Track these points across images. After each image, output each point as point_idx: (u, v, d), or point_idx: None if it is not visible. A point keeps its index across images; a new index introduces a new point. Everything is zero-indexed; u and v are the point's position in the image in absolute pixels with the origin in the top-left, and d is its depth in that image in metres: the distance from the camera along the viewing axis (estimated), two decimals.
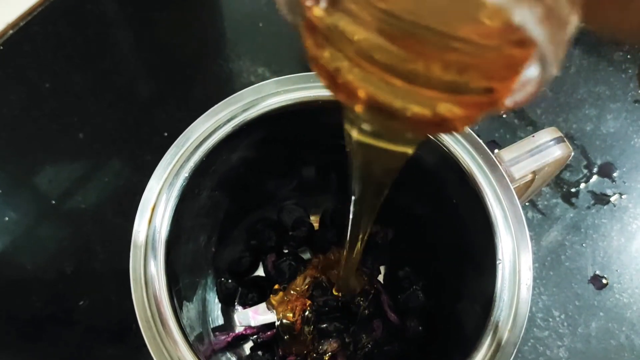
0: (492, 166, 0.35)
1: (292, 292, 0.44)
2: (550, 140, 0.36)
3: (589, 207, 0.56)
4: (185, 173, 0.34)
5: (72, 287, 0.52)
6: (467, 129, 0.36)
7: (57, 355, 0.50)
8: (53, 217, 0.55)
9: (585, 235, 0.55)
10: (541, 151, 0.36)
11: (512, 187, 0.34)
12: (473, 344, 0.32)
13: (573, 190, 0.57)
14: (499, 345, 0.31)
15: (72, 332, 0.51)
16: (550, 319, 0.52)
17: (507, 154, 0.36)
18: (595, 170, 0.58)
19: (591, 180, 0.58)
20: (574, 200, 0.57)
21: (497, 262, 0.33)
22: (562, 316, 0.52)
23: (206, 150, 0.35)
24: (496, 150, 0.36)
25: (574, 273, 0.53)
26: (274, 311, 0.43)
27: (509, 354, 0.31)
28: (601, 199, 0.57)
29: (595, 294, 0.53)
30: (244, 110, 0.36)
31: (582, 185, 0.57)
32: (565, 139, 0.37)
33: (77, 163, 0.58)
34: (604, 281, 0.53)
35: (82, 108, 0.60)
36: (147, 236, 0.33)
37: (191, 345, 0.32)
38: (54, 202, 0.56)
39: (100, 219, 0.55)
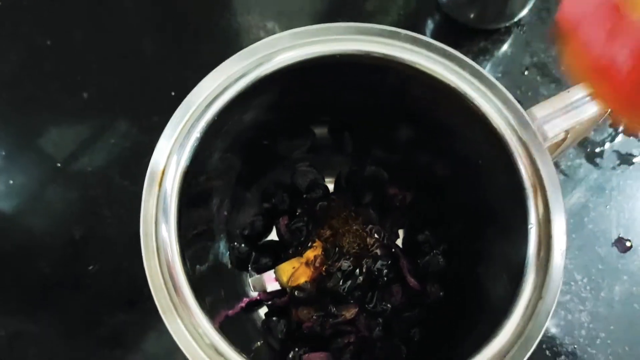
0: (524, 124, 0.33)
1: (306, 257, 0.42)
2: (586, 96, 0.33)
3: (613, 168, 0.54)
4: (197, 133, 0.32)
5: (80, 251, 0.51)
6: (495, 81, 0.34)
7: (65, 321, 0.49)
8: (59, 180, 0.54)
9: (609, 197, 0.53)
10: (576, 108, 0.33)
11: (545, 147, 0.32)
12: (501, 312, 0.31)
13: (597, 150, 0.55)
14: (531, 314, 0.30)
15: (81, 297, 0.50)
16: (572, 283, 0.50)
17: (539, 110, 0.33)
18: (620, 129, 0.55)
19: (617, 140, 0.55)
20: (598, 160, 0.54)
21: (529, 226, 0.31)
22: (585, 280, 0.50)
23: (218, 108, 0.33)
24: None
25: (597, 236, 0.51)
26: (282, 280, 0.42)
27: (541, 323, 0.30)
28: (627, 159, 0.54)
29: (619, 257, 0.51)
30: (258, 66, 0.34)
31: (607, 145, 0.55)
32: None
33: (81, 124, 0.56)
34: (628, 244, 0.51)
35: (85, 66, 0.57)
36: (157, 200, 0.31)
37: (205, 312, 0.30)
38: (59, 164, 0.54)
39: (108, 182, 0.53)
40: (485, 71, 0.34)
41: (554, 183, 0.32)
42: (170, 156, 0.32)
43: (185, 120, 0.32)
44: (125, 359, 0.49)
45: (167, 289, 0.30)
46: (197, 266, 0.38)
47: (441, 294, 0.42)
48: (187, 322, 0.29)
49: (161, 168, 0.32)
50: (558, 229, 0.31)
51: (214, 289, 0.42)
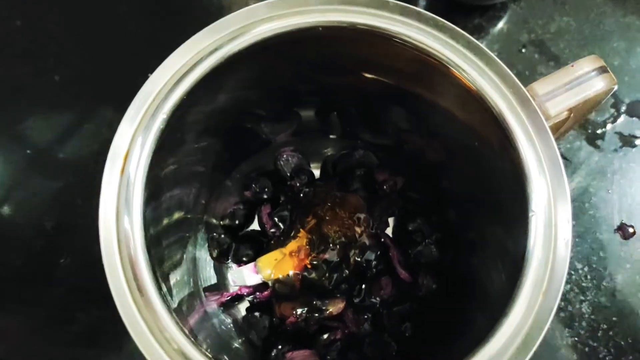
0: (524, 102, 0.30)
1: (289, 248, 0.39)
2: (592, 71, 0.31)
3: (615, 150, 0.51)
4: (162, 114, 0.29)
5: (52, 243, 0.49)
6: (492, 54, 0.31)
7: (36, 317, 0.47)
8: (29, 168, 0.51)
9: (611, 181, 0.50)
10: (581, 83, 0.30)
11: (547, 126, 0.29)
12: (500, 309, 0.28)
13: (599, 131, 0.52)
14: (531, 310, 0.27)
15: (53, 292, 0.48)
16: (573, 272, 0.48)
17: (541, 87, 0.30)
18: (623, 109, 0.53)
19: (619, 121, 0.52)
20: (599, 142, 0.52)
21: (530, 214, 0.28)
22: (586, 269, 0.48)
23: (188, 87, 0.30)
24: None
25: (599, 222, 0.49)
26: (263, 273, 0.39)
27: (543, 320, 0.27)
28: (629, 141, 0.52)
29: (622, 244, 0.49)
30: (231, 40, 0.31)
31: (609, 126, 0.52)
32: (608, 68, 0.31)
33: (54, 108, 0.53)
34: (631, 230, 0.49)
35: (57, 48, 0.54)
36: (119, 189, 0.28)
37: (174, 313, 0.27)
38: (29, 151, 0.51)
39: (81, 170, 0.50)
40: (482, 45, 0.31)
41: (556, 166, 0.29)
42: (134, 140, 0.29)
43: (150, 99, 0.29)
44: (101, 358, 0.46)
45: (130, 288, 0.27)
46: (170, 260, 0.36)
47: (434, 286, 0.39)
48: (152, 325, 0.26)
49: (123, 153, 0.29)
50: (562, 216, 0.28)
51: (191, 283, 0.39)
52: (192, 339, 0.27)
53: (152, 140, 0.29)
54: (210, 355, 0.27)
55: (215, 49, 0.31)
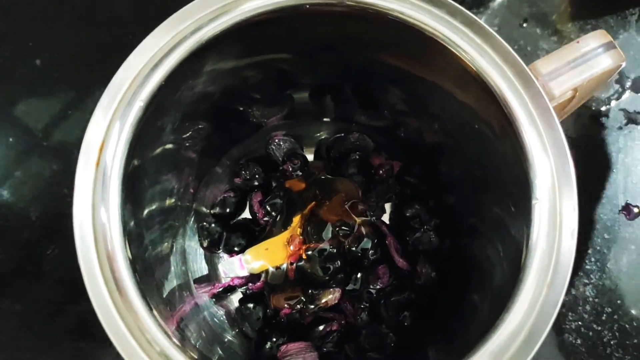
0: (527, 81, 0.28)
1: (282, 238, 0.38)
2: (598, 47, 0.29)
3: (620, 128, 0.50)
4: (139, 102, 0.27)
5: (38, 234, 0.47)
6: (492, 31, 0.28)
7: (24, 311, 0.45)
8: (11, 156, 0.49)
9: (616, 160, 0.49)
10: (587, 61, 0.28)
11: (551, 108, 0.27)
12: (503, 299, 0.26)
13: (603, 108, 0.50)
14: (535, 303, 0.25)
15: (41, 284, 0.46)
16: (576, 254, 0.46)
17: (545, 65, 0.28)
18: (628, 85, 0.51)
19: (623, 97, 0.51)
20: (603, 120, 0.50)
21: (533, 201, 0.26)
22: (590, 251, 0.47)
23: (166, 71, 0.28)
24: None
25: (603, 202, 0.48)
26: (251, 266, 0.38)
27: (548, 314, 0.25)
28: (634, 118, 0.50)
29: (627, 225, 0.47)
30: (213, 19, 0.29)
31: (613, 103, 0.50)
32: (615, 44, 0.29)
33: (37, 95, 0.51)
34: (636, 210, 0.47)
35: (37, 31, 0.51)
36: (94, 183, 0.27)
37: (156, 314, 0.26)
38: (11, 139, 0.49)
39: (66, 158, 0.48)
40: (481, 21, 0.29)
41: (561, 151, 0.27)
42: (110, 129, 0.27)
43: (126, 86, 0.27)
44: (93, 351, 0.45)
45: (108, 288, 0.25)
46: (156, 253, 0.34)
47: (433, 275, 0.38)
48: (132, 326, 0.25)
49: (99, 143, 0.27)
50: (567, 204, 0.26)
51: (180, 274, 0.38)
52: (176, 341, 0.25)
53: (129, 130, 0.27)
54: (195, 356, 0.26)
55: (196, 30, 0.29)
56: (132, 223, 0.29)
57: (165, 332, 0.25)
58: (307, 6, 0.29)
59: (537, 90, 0.28)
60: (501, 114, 0.28)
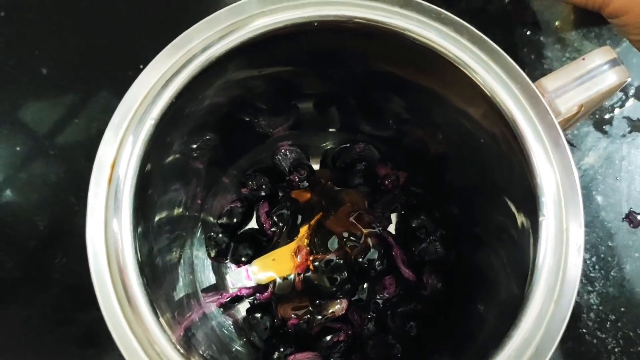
0: (533, 98, 0.28)
1: (289, 249, 0.38)
2: (604, 64, 0.29)
3: (624, 136, 0.50)
4: (150, 120, 0.28)
5: (46, 243, 0.47)
6: (500, 50, 0.29)
7: (32, 319, 0.46)
8: (18, 165, 0.49)
9: (619, 168, 0.49)
10: (593, 77, 0.29)
11: (557, 124, 0.28)
12: (510, 310, 0.27)
13: (607, 116, 0.50)
14: (542, 320, 0.26)
15: (49, 293, 0.46)
16: None
17: (551, 82, 0.29)
18: (631, 93, 0.51)
19: (627, 105, 0.51)
20: (607, 128, 0.50)
21: (540, 218, 0.27)
22: (594, 259, 0.47)
23: (177, 89, 0.28)
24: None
25: (607, 210, 0.48)
26: (257, 277, 0.38)
27: (555, 331, 0.26)
28: (638, 126, 0.50)
29: (631, 233, 0.47)
30: (222, 37, 0.29)
31: (617, 111, 0.50)
32: (620, 60, 0.29)
33: (43, 103, 0.51)
34: None
35: (44, 39, 0.52)
36: (107, 198, 0.27)
37: (165, 325, 0.26)
38: (18, 148, 0.49)
39: (73, 167, 0.49)
40: (487, 38, 0.29)
41: (567, 167, 0.27)
42: (122, 147, 0.27)
43: (137, 105, 0.28)
44: (99, 358, 0.45)
45: (119, 299, 0.26)
46: (165, 263, 0.34)
47: (439, 285, 0.38)
48: (141, 338, 0.25)
49: (111, 161, 0.27)
50: (574, 221, 0.27)
51: (188, 284, 0.38)
52: (183, 351, 0.26)
53: (141, 147, 0.28)
54: None
55: (206, 48, 0.29)
56: (142, 236, 0.29)
57: (175, 346, 0.25)
58: (316, 23, 0.30)
59: (544, 107, 0.28)
60: (507, 130, 0.28)
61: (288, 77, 0.37)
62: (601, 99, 0.31)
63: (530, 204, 0.27)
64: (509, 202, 0.31)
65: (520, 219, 0.29)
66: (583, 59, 0.29)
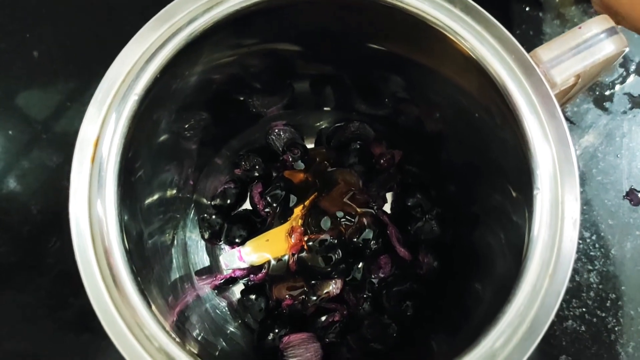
0: (527, 69, 0.27)
1: (283, 229, 0.38)
2: (601, 33, 0.28)
3: (624, 112, 0.49)
4: (134, 95, 0.27)
5: (39, 227, 0.47)
6: (492, 18, 0.28)
7: (26, 304, 0.45)
8: (11, 150, 0.48)
9: (620, 145, 0.48)
10: (589, 47, 0.28)
11: (552, 96, 0.27)
12: (506, 288, 0.26)
13: (607, 93, 0.49)
14: (537, 295, 0.25)
15: (42, 277, 0.46)
16: (580, 241, 0.46)
17: (546, 52, 0.28)
18: (632, 68, 0.50)
19: (628, 81, 0.50)
20: (607, 104, 0.49)
21: (535, 191, 0.26)
22: (594, 237, 0.46)
23: (161, 63, 0.28)
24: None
25: (607, 188, 0.47)
26: (250, 258, 0.37)
27: (550, 305, 0.25)
28: (639, 102, 0.49)
29: (631, 211, 0.47)
30: (207, 10, 0.28)
31: (618, 87, 0.50)
32: (618, 29, 0.29)
33: (35, 87, 0.50)
34: None
35: (34, 23, 0.51)
36: (90, 177, 0.26)
37: (154, 308, 0.26)
38: (10, 132, 0.48)
39: (67, 150, 0.48)
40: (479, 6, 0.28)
41: (563, 140, 0.26)
42: (104, 124, 0.27)
43: (120, 81, 0.27)
44: (94, 344, 0.45)
45: (106, 282, 0.25)
46: (156, 245, 0.34)
47: (435, 264, 0.38)
48: (130, 322, 0.25)
49: (94, 139, 0.26)
50: (569, 194, 0.26)
51: (181, 267, 0.38)
52: (175, 336, 0.25)
53: (124, 124, 0.27)
54: (195, 351, 0.26)
55: (190, 21, 0.28)
56: (130, 217, 0.28)
57: (164, 327, 0.25)
58: None
59: (538, 78, 0.27)
60: (502, 102, 0.28)
61: (280, 55, 0.36)
62: (599, 70, 0.30)
63: (525, 177, 0.27)
64: (505, 178, 0.30)
65: (516, 193, 0.29)
66: (579, 27, 0.28)
